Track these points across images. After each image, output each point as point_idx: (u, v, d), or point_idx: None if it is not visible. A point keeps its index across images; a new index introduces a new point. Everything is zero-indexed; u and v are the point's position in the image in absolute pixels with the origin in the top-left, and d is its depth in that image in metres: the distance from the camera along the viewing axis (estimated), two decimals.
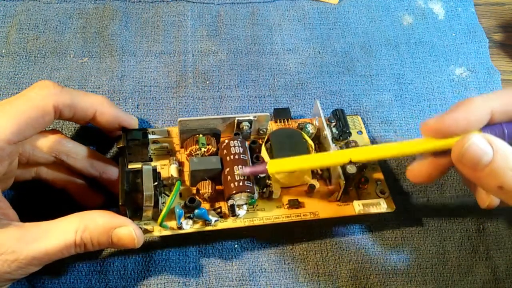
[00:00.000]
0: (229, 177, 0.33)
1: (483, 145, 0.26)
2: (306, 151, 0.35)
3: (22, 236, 0.28)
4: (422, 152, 0.30)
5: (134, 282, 0.34)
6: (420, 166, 0.31)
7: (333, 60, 0.46)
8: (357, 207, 0.34)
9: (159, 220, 0.31)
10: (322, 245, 0.36)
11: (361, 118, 0.41)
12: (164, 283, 0.34)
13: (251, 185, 0.33)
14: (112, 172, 0.35)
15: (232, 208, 0.33)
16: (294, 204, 0.35)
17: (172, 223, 0.32)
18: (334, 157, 0.32)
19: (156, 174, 0.32)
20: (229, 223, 0.33)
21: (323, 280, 0.35)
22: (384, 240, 0.37)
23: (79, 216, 0.29)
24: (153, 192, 0.31)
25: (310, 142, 0.36)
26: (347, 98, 0.44)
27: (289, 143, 0.35)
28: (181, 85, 0.43)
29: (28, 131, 0.30)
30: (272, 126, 0.39)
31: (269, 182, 0.34)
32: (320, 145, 0.38)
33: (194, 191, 0.35)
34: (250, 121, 0.36)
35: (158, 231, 0.32)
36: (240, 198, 0.33)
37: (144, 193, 0.31)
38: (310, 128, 0.38)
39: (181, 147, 0.37)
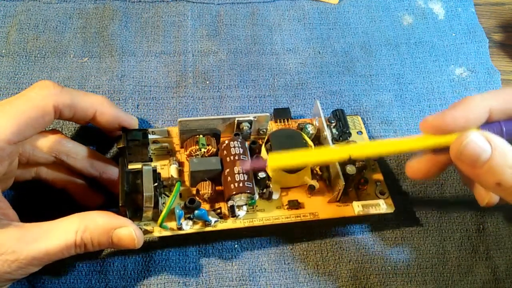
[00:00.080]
0: (229, 178, 0.33)
1: (481, 142, 0.26)
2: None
3: (22, 236, 0.28)
4: (422, 148, 0.30)
5: (134, 282, 0.34)
6: (419, 163, 0.31)
7: (333, 60, 0.46)
8: (356, 208, 0.34)
9: (159, 220, 0.31)
10: (322, 245, 0.37)
11: (361, 118, 0.41)
12: (164, 283, 0.34)
13: (251, 185, 0.33)
14: (112, 172, 0.35)
15: (232, 209, 0.33)
16: (294, 205, 0.35)
17: (172, 224, 0.32)
18: (334, 152, 0.32)
19: (156, 175, 0.32)
20: (229, 224, 0.33)
21: (323, 280, 0.35)
22: (384, 240, 0.37)
23: (79, 217, 0.29)
24: (153, 193, 0.31)
25: (310, 142, 0.36)
26: (347, 98, 0.44)
27: (289, 144, 0.35)
28: (181, 85, 0.43)
29: (28, 131, 0.30)
30: (272, 126, 0.39)
31: (269, 182, 0.34)
32: (320, 146, 0.38)
33: (194, 192, 0.35)
34: (250, 122, 0.36)
35: (158, 232, 0.32)
36: (240, 199, 0.33)
37: (144, 194, 0.31)
38: (310, 129, 0.38)
39: (181, 147, 0.37)
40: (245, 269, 0.35)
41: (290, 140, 0.35)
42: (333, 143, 0.37)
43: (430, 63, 0.47)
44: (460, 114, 0.28)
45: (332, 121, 0.39)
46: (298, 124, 0.39)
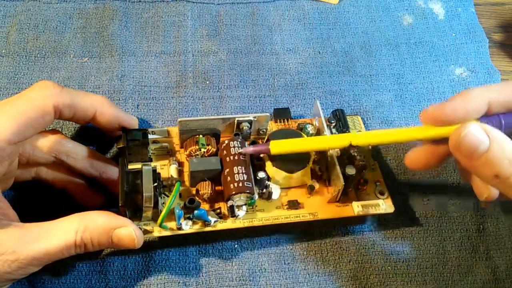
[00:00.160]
0: (228, 178, 0.33)
1: (479, 134, 0.26)
2: (306, 152, 0.35)
3: (22, 236, 0.28)
4: (421, 139, 0.31)
5: (134, 282, 0.34)
6: (418, 153, 0.31)
7: (333, 60, 0.46)
8: (356, 208, 0.34)
9: (159, 220, 0.31)
10: (322, 245, 0.37)
11: (361, 118, 0.41)
12: (164, 283, 0.34)
13: (250, 185, 0.33)
14: (112, 172, 0.35)
15: (231, 209, 0.33)
16: (294, 205, 0.35)
17: (172, 224, 0.32)
18: (335, 140, 0.33)
19: (156, 175, 0.32)
20: (228, 224, 0.33)
21: (323, 280, 0.35)
22: (384, 241, 0.37)
23: (79, 217, 0.29)
24: (152, 193, 0.31)
25: None
26: (347, 98, 0.44)
27: None
28: (181, 85, 0.43)
29: (28, 132, 0.30)
30: (272, 126, 0.39)
31: (269, 183, 0.34)
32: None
33: (194, 192, 0.35)
34: (250, 122, 0.36)
35: (157, 232, 0.32)
36: (239, 199, 0.33)
37: (143, 194, 0.31)
38: (310, 129, 0.38)
39: (181, 147, 0.37)
40: (245, 269, 0.35)
41: None
42: None
43: (430, 63, 0.47)
44: (459, 105, 0.28)
45: (332, 121, 0.39)
46: (298, 124, 0.39)
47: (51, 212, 0.30)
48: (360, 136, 0.32)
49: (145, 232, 0.32)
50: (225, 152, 0.34)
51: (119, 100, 0.41)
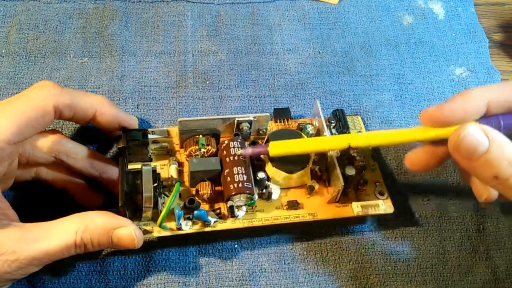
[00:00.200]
0: (228, 178, 0.33)
1: (479, 135, 0.26)
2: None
3: (22, 236, 0.28)
4: (420, 140, 0.31)
5: (134, 282, 0.34)
6: (418, 154, 0.31)
7: (333, 60, 0.46)
8: (356, 208, 0.34)
9: (159, 221, 0.31)
10: (322, 245, 0.37)
11: (361, 118, 0.41)
12: (164, 283, 0.34)
13: (250, 186, 0.33)
14: (112, 172, 0.35)
15: (231, 209, 0.33)
16: (293, 205, 0.35)
17: (172, 224, 0.32)
18: (334, 141, 0.33)
19: (155, 175, 0.32)
20: (228, 224, 0.33)
21: (323, 280, 0.35)
22: (384, 241, 0.37)
23: (79, 217, 0.29)
24: (152, 193, 0.31)
25: None
26: (347, 98, 0.44)
27: None
28: (181, 85, 0.43)
29: (28, 132, 0.30)
30: (272, 126, 0.39)
31: (268, 183, 0.34)
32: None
33: (194, 192, 0.35)
34: (250, 122, 0.36)
35: (157, 232, 0.32)
36: (239, 199, 0.33)
37: (143, 194, 0.31)
38: (310, 129, 0.38)
39: (181, 147, 0.37)
40: (245, 269, 0.35)
41: None
42: None
43: (430, 63, 0.47)
44: (458, 106, 0.28)
45: (332, 121, 0.39)
46: (298, 124, 0.39)
47: (51, 212, 0.30)
48: (359, 138, 0.31)
49: (145, 232, 0.32)
50: (225, 152, 0.34)
51: (119, 100, 0.42)
